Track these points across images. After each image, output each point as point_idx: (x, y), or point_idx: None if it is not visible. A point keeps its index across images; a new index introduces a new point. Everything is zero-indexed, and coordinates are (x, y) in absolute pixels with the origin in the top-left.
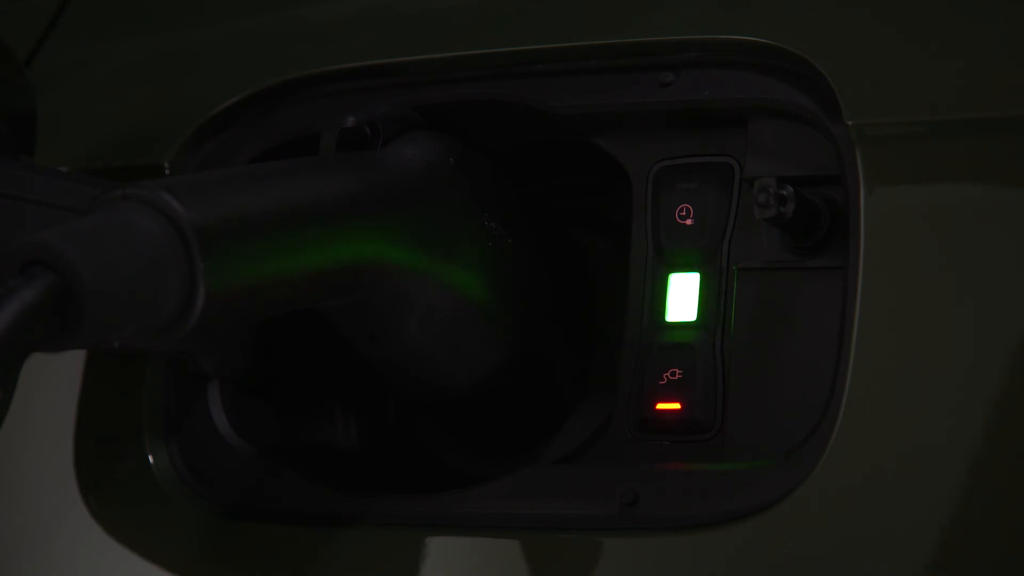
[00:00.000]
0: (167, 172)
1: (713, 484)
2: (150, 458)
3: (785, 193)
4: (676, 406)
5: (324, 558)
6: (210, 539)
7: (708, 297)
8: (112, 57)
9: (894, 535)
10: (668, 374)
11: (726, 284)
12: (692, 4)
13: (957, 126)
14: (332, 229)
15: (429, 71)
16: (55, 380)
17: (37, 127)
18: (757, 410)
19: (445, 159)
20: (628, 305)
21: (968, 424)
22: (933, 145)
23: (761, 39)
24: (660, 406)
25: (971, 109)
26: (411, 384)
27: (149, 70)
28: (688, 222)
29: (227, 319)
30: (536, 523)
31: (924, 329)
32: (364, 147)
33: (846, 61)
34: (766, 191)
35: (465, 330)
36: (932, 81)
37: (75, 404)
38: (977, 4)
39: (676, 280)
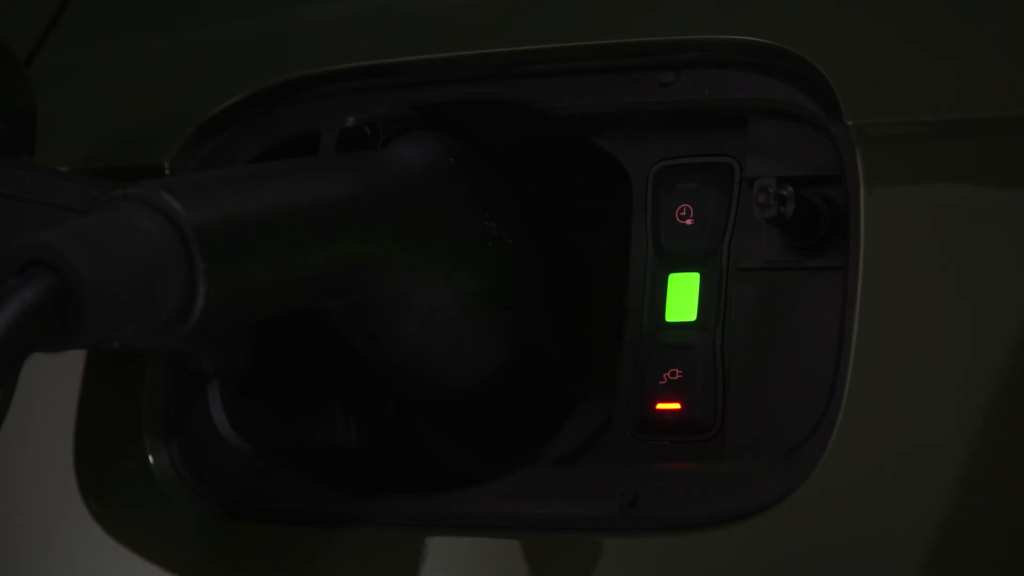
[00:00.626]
0: (167, 172)
1: (713, 484)
2: (150, 458)
3: (785, 193)
4: (676, 406)
5: (324, 558)
6: (210, 539)
7: (708, 297)
8: (112, 57)
9: (894, 535)
10: (668, 374)
11: (726, 284)
12: (692, 4)
13: (957, 126)
14: (332, 229)
15: (429, 71)
16: (55, 380)
17: (37, 127)
18: (757, 410)
19: (445, 159)
20: (628, 305)
21: (968, 424)
22: (933, 145)
23: (761, 39)
24: (660, 406)
25: (971, 109)
26: (411, 384)
27: (149, 70)
28: (688, 222)
29: (227, 319)
30: (536, 523)
31: (924, 329)
32: (364, 147)
33: (846, 61)
34: (766, 191)
35: (465, 330)
36: (932, 81)
37: (75, 404)
38: (977, 4)
39: (676, 280)
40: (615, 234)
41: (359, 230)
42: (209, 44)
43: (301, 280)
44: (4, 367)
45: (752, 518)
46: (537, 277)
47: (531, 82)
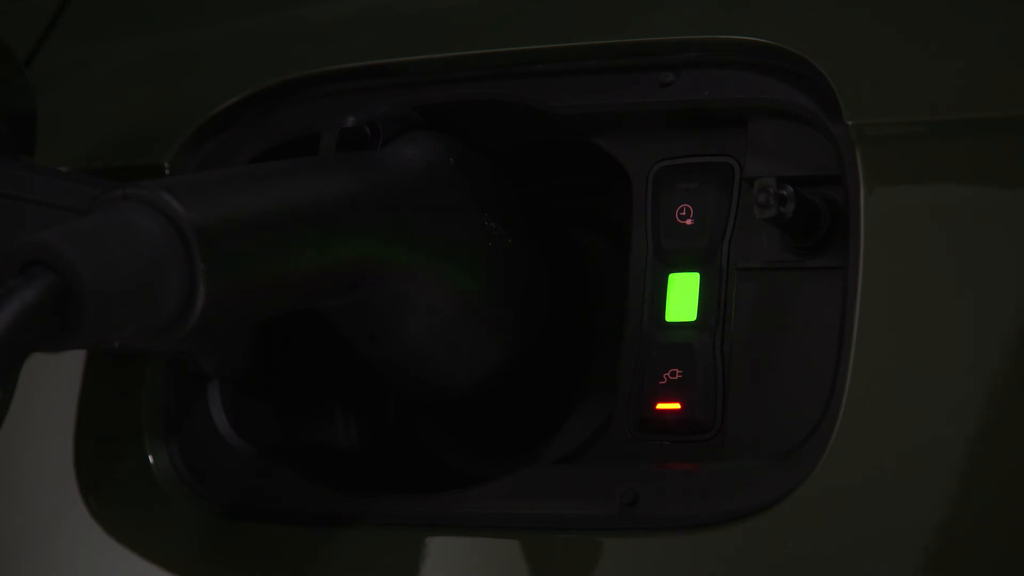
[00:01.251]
0: (167, 172)
1: (713, 484)
2: (150, 458)
3: (785, 193)
4: (676, 406)
5: (324, 558)
6: (210, 539)
7: (708, 297)
8: (112, 57)
9: (894, 535)
10: (668, 374)
11: (726, 284)
12: (692, 4)
13: (957, 126)
14: (332, 229)
15: (429, 71)
16: (55, 380)
17: (37, 127)
18: (757, 410)
19: (445, 159)
20: (628, 305)
21: (968, 424)
22: (933, 145)
23: (761, 39)
24: (660, 406)
25: (971, 109)
26: (411, 384)
27: (149, 70)
28: (688, 222)
29: (227, 319)
30: (536, 523)
31: (924, 329)
32: (364, 147)
33: (846, 61)
34: (766, 191)
35: (465, 330)
36: (932, 81)
37: (75, 404)
38: (977, 4)
39: (676, 280)
40: (615, 234)
41: (359, 230)
42: (209, 44)
43: (301, 280)
44: (4, 367)
45: (752, 518)
46: (537, 277)
47: (531, 82)
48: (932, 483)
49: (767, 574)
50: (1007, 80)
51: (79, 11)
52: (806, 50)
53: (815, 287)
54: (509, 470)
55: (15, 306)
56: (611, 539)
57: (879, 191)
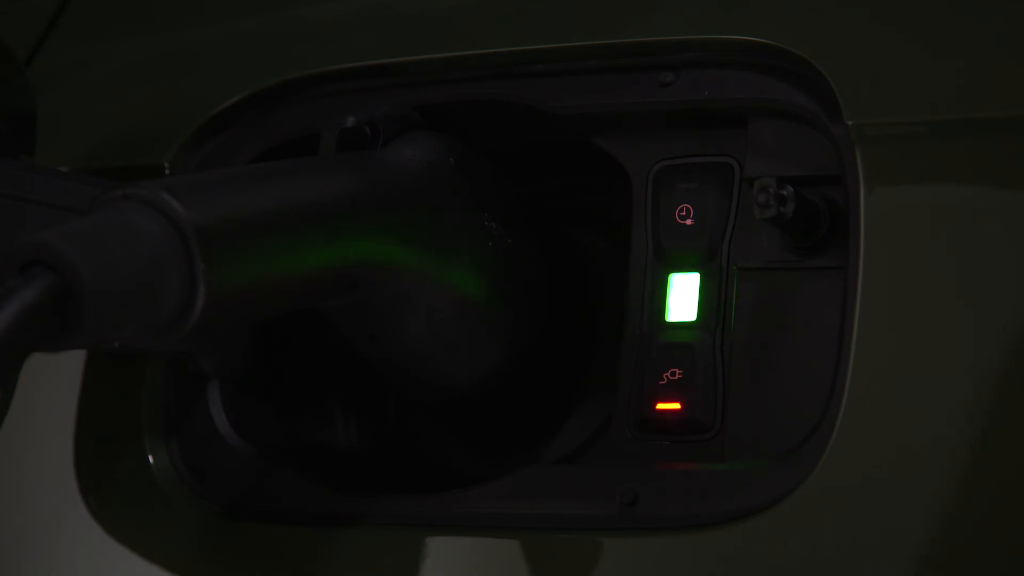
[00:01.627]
0: (167, 172)
1: (713, 484)
2: (150, 458)
3: (785, 193)
4: (676, 406)
5: (324, 558)
6: (210, 539)
7: (708, 297)
8: (112, 57)
9: (894, 535)
10: (668, 374)
11: (726, 284)
12: (692, 4)
13: (957, 126)
14: (332, 229)
15: (429, 71)
16: (55, 380)
17: (37, 127)
18: (757, 410)
19: (445, 159)
20: (628, 305)
21: (968, 424)
22: (933, 145)
23: (761, 39)
24: (660, 406)
25: (971, 109)
26: (411, 384)
27: (149, 70)
28: (688, 222)
29: (227, 319)
30: (536, 523)
31: (924, 329)
32: (364, 147)
33: (846, 61)
34: (766, 191)
35: (465, 330)
36: (932, 81)
37: (75, 404)
38: (977, 4)
39: (676, 280)
40: (615, 234)
41: (359, 230)
42: (209, 44)
43: (301, 280)
44: (4, 367)
45: (752, 518)
46: (537, 277)
47: (531, 82)
48: (932, 483)
49: (767, 574)
50: (1007, 80)
51: (79, 11)
52: (806, 50)
53: (815, 287)
54: (509, 470)
55: (15, 306)
56: (611, 539)
57: (879, 191)
